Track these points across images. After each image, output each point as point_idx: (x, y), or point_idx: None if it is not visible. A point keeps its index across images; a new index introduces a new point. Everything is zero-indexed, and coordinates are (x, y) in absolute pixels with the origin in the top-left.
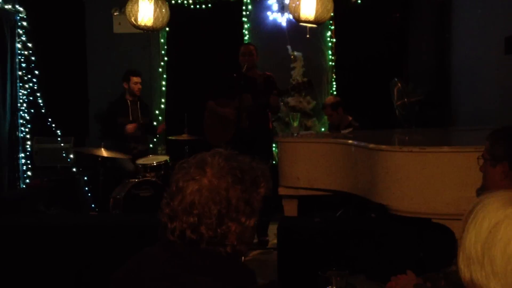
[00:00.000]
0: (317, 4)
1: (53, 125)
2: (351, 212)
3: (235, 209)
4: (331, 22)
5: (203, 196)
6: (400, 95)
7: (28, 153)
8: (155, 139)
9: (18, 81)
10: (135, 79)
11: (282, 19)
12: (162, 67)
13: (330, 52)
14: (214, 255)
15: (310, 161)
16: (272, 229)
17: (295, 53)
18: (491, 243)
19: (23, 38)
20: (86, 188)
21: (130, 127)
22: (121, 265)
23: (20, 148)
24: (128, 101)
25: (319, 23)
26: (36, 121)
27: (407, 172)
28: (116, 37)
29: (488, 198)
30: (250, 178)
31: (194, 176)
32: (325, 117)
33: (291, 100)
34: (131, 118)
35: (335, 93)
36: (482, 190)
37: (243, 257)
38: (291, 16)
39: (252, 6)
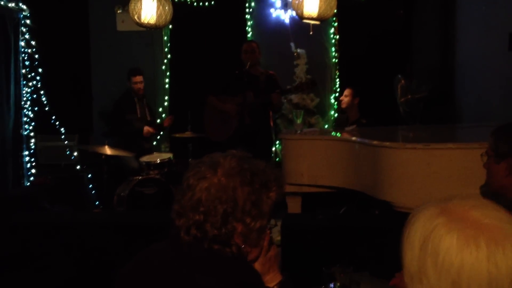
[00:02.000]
0: (320, 1)
1: (57, 123)
2: (355, 209)
3: (241, 210)
4: (334, 19)
5: (211, 194)
6: (404, 91)
7: (32, 151)
8: (158, 137)
9: (21, 79)
10: (135, 78)
11: (285, 16)
12: (165, 64)
13: (333, 49)
14: (218, 255)
15: (313, 158)
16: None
17: (298, 50)
18: (423, 259)
19: (27, 36)
20: (90, 186)
21: (146, 131)
22: (125, 262)
23: (24, 146)
24: (135, 98)
25: (323, 20)
26: (40, 119)
27: (411, 169)
28: (120, 35)
29: (419, 212)
30: (260, 181)
31: (205, 174)
32: (329, 114)
33: (294, 97)
34: (139, 115)
35: (338, 90)
36: (486, 187)
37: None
38: (294, 13)
39: (255, 3)
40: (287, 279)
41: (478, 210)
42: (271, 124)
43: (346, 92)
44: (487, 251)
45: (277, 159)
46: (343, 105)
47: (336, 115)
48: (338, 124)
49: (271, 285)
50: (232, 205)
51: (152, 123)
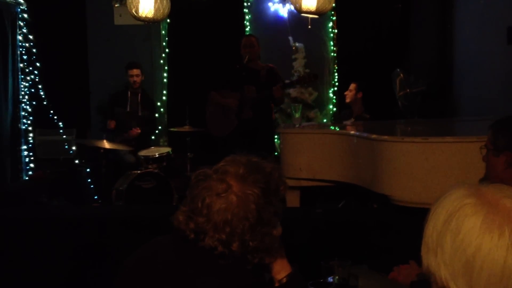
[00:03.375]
0: None
1: (55, 117)
2: (353, 202)
3: (266, 222)
4: (332, 12)
5: (235, 214)
6: (402, 86)
7: (30, 145)
8: (157, 131)
9: (19, 73)
10: (131, 71)
11: (284, 10)
12: (163, 58)
13: (331, 43)
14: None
15: (312, 152)
16: None
17: (297, 44)
18: (444, 234)
19: (24, 30)
20: (89, 180)
21: (134, 132)
22: (123, 256)
23: (22, 140)
24: (129, 92)
25: (321, 14)
26: (38, 113)
27: (409, 162)
28: (117, 29)
29: (453, 189)
30: (273, 187)
31: (219, 192)
32: (327, 108)
33: (293, 92)
34: (128, 109)
35: (337, 84)
36: (485, 180)
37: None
38: (292, 7)
39: None
40: (297, 271)
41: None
42: (273, 117)
43: (351, 86)
44: (509, 241)
45: (275, 153)
46: (347, 100)
47: (334, 109)
48: (338, 119)
49: (280, 276)
50: (257, 219)
51: (143, 119)
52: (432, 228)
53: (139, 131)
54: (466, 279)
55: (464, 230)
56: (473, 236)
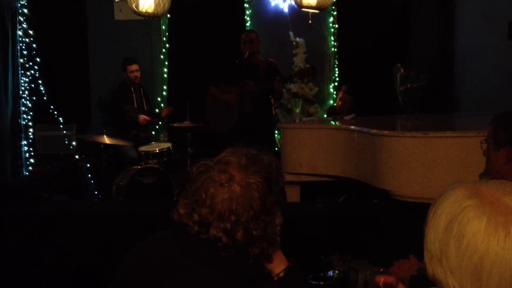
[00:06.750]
0: None
1: (55, 112)
2: (354, 197)
3: (269, 211)
4: (333, 7)
5: (239, 203)
6: (403, 81)
7: (30, 141)
8: (157, 126)
9: (19, 68)
10: (131, 67)
11: (284, 5)
12: (163, 54)
13: (332, 38)
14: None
15: (312, 147)
16: None
17: (297, 39)
18: (447, 240)
19: (24, 26)
20: (89, 175)
21: (142, 119)
22: (124, 252)
23: (22, 135)
24: (132, 88)
25: (322, 8)
26: (38, 108)
27: (410, 157)
28: (117, 24)
29: (450, 190)
30: (273, 176)
31: (222, 182)
32: (328, 103)
33: (293, 87)
34: (135, 105)
35: (337, 79)
36: (485, 175)
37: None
38: (293, 2)
39: None
40: (294, 264)
41: None
42: (273, 112)
43: (346, 97)
44: None
45: (276, 148)
46: (338, 108)
47: (335, 104)
48: (330, 114)
49: (278, 270)
50: (261, 208)
51: (149, 113)
52: (434, 234)
53: (148, 118)
54: (476, 286)
55: (468, 234)
56: (479, 239)
